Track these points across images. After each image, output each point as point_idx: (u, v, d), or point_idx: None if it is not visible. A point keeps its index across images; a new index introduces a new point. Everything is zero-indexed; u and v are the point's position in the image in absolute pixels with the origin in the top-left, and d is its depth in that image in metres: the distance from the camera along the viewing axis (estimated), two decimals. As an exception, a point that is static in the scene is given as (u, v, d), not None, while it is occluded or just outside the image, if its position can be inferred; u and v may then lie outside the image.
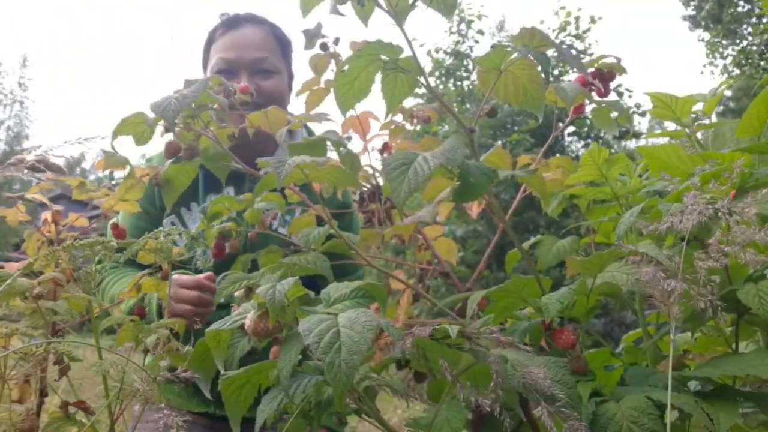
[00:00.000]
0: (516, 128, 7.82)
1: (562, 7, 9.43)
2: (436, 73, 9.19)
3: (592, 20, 9.41)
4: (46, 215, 0.98)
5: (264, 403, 0.71)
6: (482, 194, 0.69)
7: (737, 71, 12.64)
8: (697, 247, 0.79)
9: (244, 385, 0.74)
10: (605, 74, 1.00)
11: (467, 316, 0.78)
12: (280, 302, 0.61)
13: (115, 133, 1.00)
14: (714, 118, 0.98)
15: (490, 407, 0.59)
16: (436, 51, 9.49)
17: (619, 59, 0.98)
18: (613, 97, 0.99)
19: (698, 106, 0.97)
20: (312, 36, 1.26)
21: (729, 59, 13.18)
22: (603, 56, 0.99)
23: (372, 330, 0.59)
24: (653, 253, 0.71)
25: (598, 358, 0.94)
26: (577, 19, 9.38)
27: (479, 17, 9.52)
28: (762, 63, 12.21)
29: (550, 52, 0.78)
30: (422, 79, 0.82)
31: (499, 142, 7.94)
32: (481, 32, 9.61)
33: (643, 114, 8.92)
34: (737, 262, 0.70)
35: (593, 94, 1.00)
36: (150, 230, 1.02)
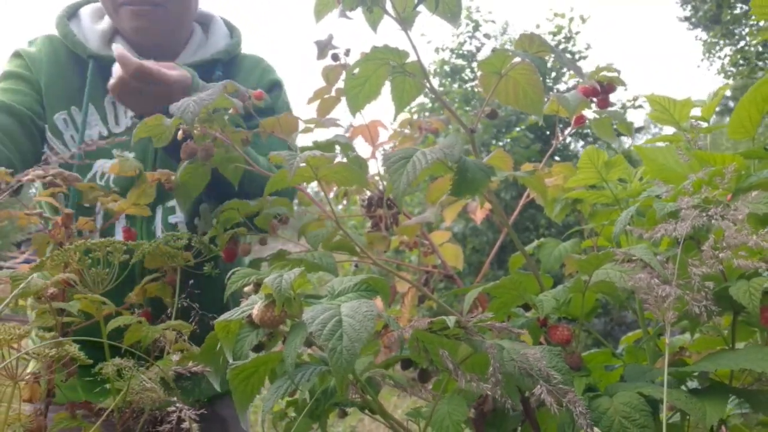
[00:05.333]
0: (518, 129, 7.81)
1: (556, 14, 9.53)
2: (442, 72, 9.20)
3: (582, 20, 9.50)
4: (56, 218, 1.02)
5: (271, 391, 0.73)
6: (479, 190, 0.72)
7: (734, 70, 12.63)
8: (694, 247, 0.81)
9: (251, 375, 0.77)
10: (605, 86, 1.03)
11: (465, 311, 0.81)
12: (286, 291, 0.64)
13: (136, 136, 1.04)
14: (713, 117, 1.00)
15: (491, 391, 0.61)
16: (442, 49, 9.50)
17: (618, 71, 1.01)
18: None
19: (696, 111, 0.99)
20: (323, 46, 1.30)
21: (726, 59, 13.16)
22: (603, 68, 1.02)
23: (372, 319, 0.61)
24: (647, 258, 0.73)
25: (598, 358, 0.96)
26: (570, 20, 9.47)
27: (487, 21, 9.61)
28: (759, 63, 12.19)
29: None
30: (427, 83, 0.86)
31: (500, 144, 7.94)
32: (488, 36, 9.67)
33: (640, 106, 8.89)
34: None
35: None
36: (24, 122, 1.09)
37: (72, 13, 1.40)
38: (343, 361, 0.59)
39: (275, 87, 1.41)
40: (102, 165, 1.27)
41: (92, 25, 1.36)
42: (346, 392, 0.73)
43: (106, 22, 1.36)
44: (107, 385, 0.82)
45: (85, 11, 1.40)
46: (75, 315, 0.91)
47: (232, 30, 1.45)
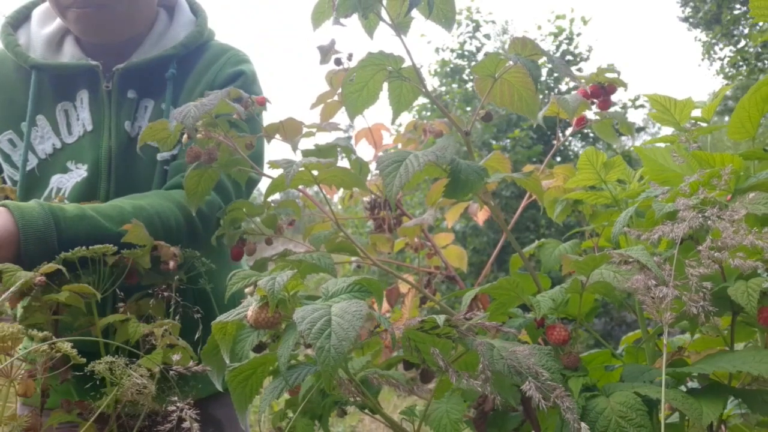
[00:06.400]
0: (520, 129, 7.78)
1: (558, 16, 9.51)
2: (443, 72, 9.20)
3: (584, 21, 9.46)
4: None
5: (267, 391, 0.74)
6: (473, 191, 0.73)
7: (733, 71, 12.47)
8: (692, 247, 0.81)
9: (249, 377, 0.78)
10: (607, 87, 1.03)
11: (462, 312, 0.81)
12: (278, 292, 0.65)
13: (142, 139, 1.06)
14: (714, 117, 1.00)
15: (481, 388, 0.62)
16: (443, 49, 9.52)
17: (618, 72, 1.01)
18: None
19: (697, 111, 0.99)
20: (326, 51, 1.32)
21: (726, 60, 12.99)
22: (604, 69, 1.02)
23: (361, 318, 0.62)
24: (644, 259, 0.73)
25: (598, 358, 0.95)
26: (572, 21, 9.43)
27: (488, 22, 9.62)
28: (759, 64, 12.03)
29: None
30: (423, 88, 0.87)
31: (501, 144, 7.93)
32: (488, 36, 9.67)
33: (642, 106, 8.79)
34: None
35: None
36: None
37: (23, 17, 1.31)
38: (331, 360, 0.60)
39: (237, 77, 1.27)
40: (58, 180, 1.23)
41: (39, 30, 1.28)
42: (336, 390, 0.73)
43: (55, 24, 1.28)
44: (98, 382, 0.83)
45: (37, 12, 1.31)
46: (66, 314, 0.93)
47: (197, 13, 1.33)
